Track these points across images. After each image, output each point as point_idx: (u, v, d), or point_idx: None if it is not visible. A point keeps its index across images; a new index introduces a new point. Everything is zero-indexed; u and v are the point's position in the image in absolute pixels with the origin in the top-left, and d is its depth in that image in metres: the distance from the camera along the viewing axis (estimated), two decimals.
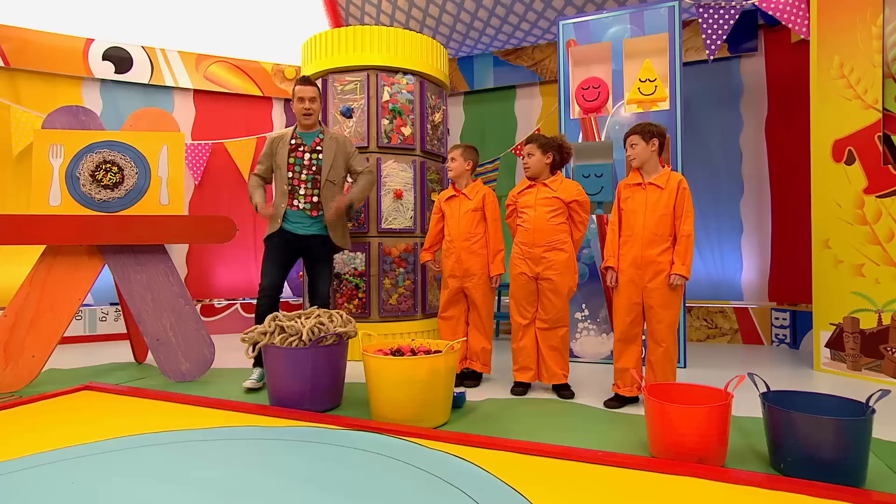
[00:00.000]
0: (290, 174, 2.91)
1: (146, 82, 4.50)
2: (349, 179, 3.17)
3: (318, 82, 3.75)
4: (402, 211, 3.67)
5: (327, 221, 2.88)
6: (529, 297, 2.68)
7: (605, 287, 3.35)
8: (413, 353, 2.35)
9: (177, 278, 3.16)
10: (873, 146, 2.82)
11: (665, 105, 3.24)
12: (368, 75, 3.61)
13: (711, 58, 3.40)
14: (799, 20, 3.22)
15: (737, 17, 3.31)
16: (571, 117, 3.48)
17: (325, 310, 2.57)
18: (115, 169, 3.12)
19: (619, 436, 2.03)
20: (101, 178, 3.10)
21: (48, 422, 2.23)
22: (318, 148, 2.94)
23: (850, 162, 2.91)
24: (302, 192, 2.91)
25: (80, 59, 4.30)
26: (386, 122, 3.63)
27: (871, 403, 1.61)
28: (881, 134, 2.79)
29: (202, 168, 4.62)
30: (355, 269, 3.60)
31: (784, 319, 3.75)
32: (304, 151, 2.93)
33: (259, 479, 1.59)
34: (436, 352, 2.31)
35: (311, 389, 2.39)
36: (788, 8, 3.24)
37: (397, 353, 2.30)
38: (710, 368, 3.19)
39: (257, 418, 2.23)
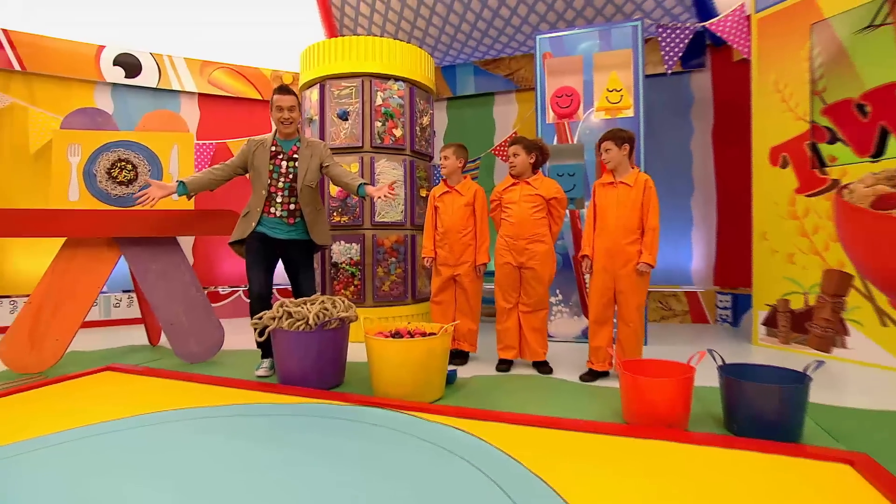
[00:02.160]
0: (269, 181, 2.66)
1: (155, 86, 4.33)
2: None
3: (317, 87, 3.67)
4: (394, 206, 3.64)
5: (374, 196, 2.57)
6: (514, 284, 2.69)
7: (577, 274, 3.39)
8: (410, 335, 2.34)
9: (188, 268, 3.07)
10: (803, 153, 2.90)
11: (630, 113, 3.27)
12: (363, 81, 3.54)
13: (669, 71, 3.44)
14: (742, 41, 3.28)
15: (691, 36, 3.35)
16: (547, 122, 3.48)
17: (329, 296, 2.53)
18: (129, 167, 3.01)
19: (596, 406, 2.06)
20: (117, 175, 2.99)
21: (76, 400, 2.16)
22: (295, 156, 2.71)
23: (784, 166, 2.99)
24: (279, 199, 2.67)
25: (93, 64, 4.11)
26: (379, 124, 3.57)
27: (808, 373, 1.69)
28: (809, 142, 2.87)
29: (207, 166, 4.47)
30: (351, 258, 3.55)
31: (726, 302, 3.86)
32: (281, 159, 2.69)
33: (279, 452, 1.56)
34: (430, 334, 2.31)
35: (317, 369, 2.36)
36: (734, 31, 3.30)
37: (396, 335, 2.28)
38: (667, 345, 3.26)
39: (271, 396, 2.19)
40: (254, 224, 2.65)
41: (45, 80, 4.07)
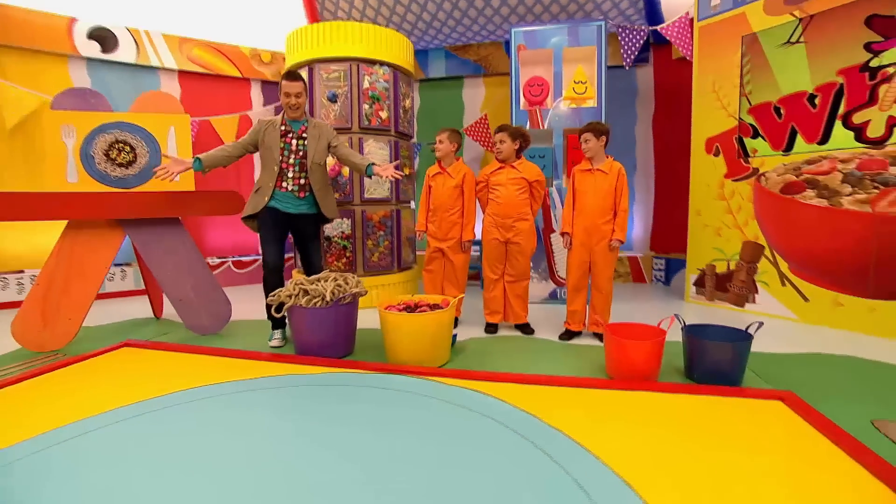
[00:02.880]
0: (280, 157, 2.63)
1: (133, 62, 3.87)
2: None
3: (305, 70, 3.49)
4: (381, 183, 3.61)
5: (384, 174, 2.58)
6: (500, 258, 2.81)
7: (546, 245, 3.58)
8: (415, 306, 2.43)
9: (192, 245, 2.92)
10: (731, 144, 3.18)
11: (593, 103, 3.39)
12: (351, 66, 3.41)
13: (628, 66, 3.59)
14: (686, 45, 3.46)
15: (646, 36, 3.49)
16: (521, 108, 3.54)
17: (339, 273, 2.54)
18: (127, 148, 2.78)
19: (579, 362, 2.25)
20: (116, 157, 2.76)
21: (104, 379, 2.07)
22: (304, 135, 2.68)
23: (716, 154, 3.27)
24: (290, 175, 2.64)
25: (65, 38, 3.59)
26: (366, 106, 3.48)
27: (750, 331, 1.97)
28: (737, 136, 3.15)
29: (191, 143, 4.15)
30: (343, 232, 3.53)
31: (661, 265, 4.23)
32: (291, 138, 2.65)
33: (324, 421, 1.61)
34: (435, 305, 2.41)
35: (332, 340, 2.39)
36: (680, 35, 3.46)
37: (407, 309, 2.35)
38: (617, 302, 3.47)
39: (294, 367, 2.19)
40: (266, 199, 2.61)
41: (15, 53, 3.51)
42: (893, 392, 1.83)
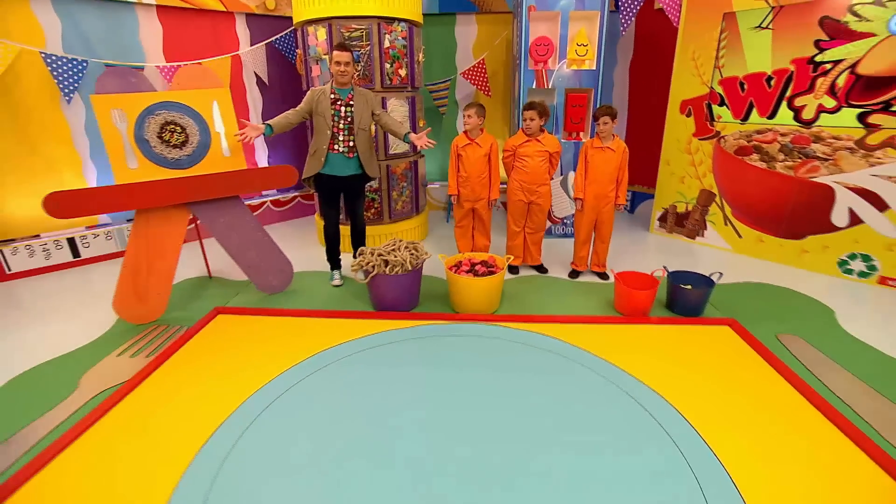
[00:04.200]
0: (332, 123, 3.04)
1: None
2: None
3: (323, 27, 3.51)
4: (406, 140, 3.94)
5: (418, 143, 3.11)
6: (522, 214, 3.47)
7: None
8: (471, 265, 3.09)
9: (251, 215, 3.22)
10: (701, 108, 3.88)
11: (592, 66, 3.85)
12: (371, 25, 3.49)
13: (623, 32, 3.99)
14: (675, 13, 3.90)
15: (643, 2, 3.87)
16: (529, 68, 3.90)
17: (407, 241, 3.09)
18: (178, 129, 2.88)
19: (592, 300, 3.09)
20: (169, 139, 2.86)
21: (235, 348, 2.54)
22: (351, 103, 3.05)
23: (688, 115, 3.98)
24: (341, 138, 3.09)
25: None
26: (388, 66, 3.66)
27: (713, 278, 2.92)
28: (707, 102, 3.85)
29: (234, 115, 3.95)
30: (371, 186, 3.94)
31: (628, 196, 5.13)
32: (340, 105, 3.04)
33: (443, 368, 2.35)
34: (489, 264, 3.10)
35: (408, 298, 3.02)
36: (671, 4, 3.88)
37: (471, 270, 3.02)
38: None
39: (383, 323, 2.79)
40: (322, 160, 3.09)
41: None
42: (792, 311, 2.93)
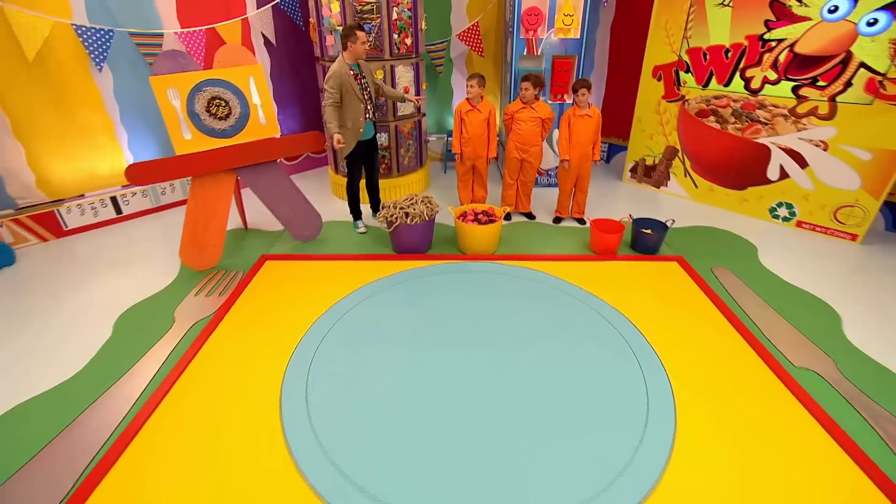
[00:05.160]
0: (362, 95, 3.57)
1: None
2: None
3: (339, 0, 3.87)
4: (407, 103, 4.45)
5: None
6: (516, 169, 4.10)
7: None
8: (475, 214, 3.78)
9: (286, 177, 3.77)
10: (670, 74, 4.47)
11: (577, 35, 4.34)
12: None
13: (605, 3, 4.43)
14: None
15: None
16: (520, 36, 4.36)
17: (422, 196, 3.72)
18: (223, 103, 3.34)
19: (571, 242, 3.85)
20: (215, 112, 3.33)
21: (289, 286, 3.22)
22: (363, 74, 3.58)
23: (659, 80, 4.56)
24: (367, 107, 3.66)
25: None
26: (395, 36, 4.08)
27: (668, 224, 3.69)
28: (675, 69, 4.43)
29: (269, 90, 4.29)
30: (382, 144, 4.48)
31: (605, 147, 5.77)
32: (360, 78, 3.56)
33: (462, 293, 3.12)
34: (490, 213, 3.78)
35: (425, 243, 3.71)
36: None
37: (475, 220, 3.71)
38: None
39: (406, 262, 3.49)
40: (361, 131, 3.65)
41: None
42: (727, 249, 3.75)
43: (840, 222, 3.83)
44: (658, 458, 1.93)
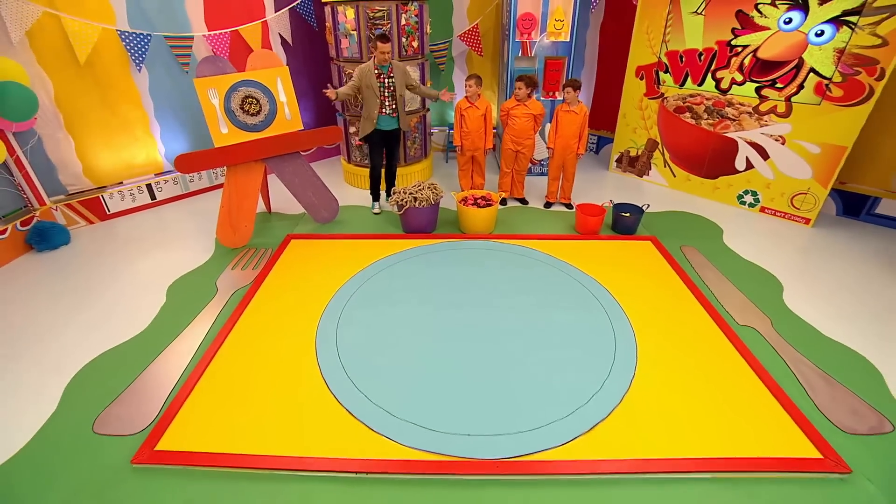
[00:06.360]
0: (379, 92, 4.10)
1: None
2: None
3: (351, 7, 4.35)
4: (415, 98, 4.95)
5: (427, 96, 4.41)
6: (511, 159, 4.64)
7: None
8: (475, 198, 4.31)
9: (308, 166, 4.29)
10: (651, 74, 4.97)
11: (567, 37, 4.84)
12: (391, 6, 4.36)
13: (593, 8, 4.91)
14: None
15: None
16: (516, 39, 4.86)
17: (428, 182, 4.25)
18: (254, 101, 3.84)
19: (559, 223, 4.40)
20: (248, 109, 3.84)
21: (305, 264, 3.72)
22: (392, 75, 4.08)
23: (641, 79, 5.06)
24: (387, 103, 4.17)
25: None
26: (404, 40, 4.57)
27: (644, 208, 4.23)
28: (655, 69, 4.94)
29: (293, 89, 4.51)
30: None
31: (594, 140, 6.30)
32: (384, 78, 4.07)
33: (467, 267, 3.66)
34: (488, 198, 4.31)
35: (430, 224, 4.26)
36: None
37: (476, 204, 4.24)
38: None
39: (416, 241, 4.06)
40: (374, 121, 4.18)
41: None
42: (696, 231, 4.30)
43: (796, 208, 4.38)
44: (620, 389, 2.50)
